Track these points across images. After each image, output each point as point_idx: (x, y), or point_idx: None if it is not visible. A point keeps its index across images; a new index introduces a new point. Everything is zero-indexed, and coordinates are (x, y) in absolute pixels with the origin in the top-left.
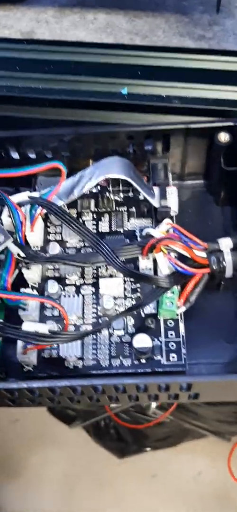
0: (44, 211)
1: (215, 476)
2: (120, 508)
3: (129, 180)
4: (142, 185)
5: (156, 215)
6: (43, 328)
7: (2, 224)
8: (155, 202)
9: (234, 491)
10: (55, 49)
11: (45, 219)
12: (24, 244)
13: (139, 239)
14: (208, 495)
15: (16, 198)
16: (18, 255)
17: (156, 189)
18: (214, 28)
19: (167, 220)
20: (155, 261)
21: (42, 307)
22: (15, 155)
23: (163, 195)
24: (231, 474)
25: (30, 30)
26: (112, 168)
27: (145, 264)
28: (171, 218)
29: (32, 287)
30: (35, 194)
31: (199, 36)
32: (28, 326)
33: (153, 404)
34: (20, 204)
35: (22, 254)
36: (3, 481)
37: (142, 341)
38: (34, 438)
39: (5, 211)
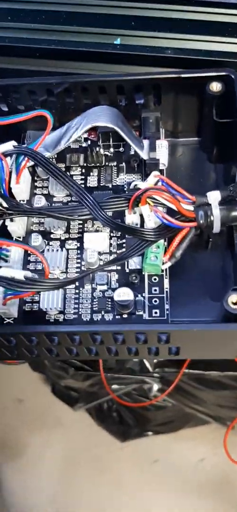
0: (31, 163)
1: (216, 462)
2: (120, 492)
3: (117, 129)
4: (131, 136)
5: (145, 168)
6: (20, 275)
7: None
8: (144, 154)
9: (235, 478)
10: (47, 0)
11: (33, 172)
12: (7, 195)
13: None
14: (209, 482)
15: (0, 148)
16: (1, 205)
17: (145, 142)
18: None
19: (155, 173)
20: (142, 217)
21: (26, 261)
22: (4, 108)
23: (152, 148)
24: (228, 455)
25: None
26: (99, 117)
27: (131, 219)
28: (161, 171)
29: (16, 241)
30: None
31: None
32: (4, 271)
33: (155, 387)
34: (5, 154)
35: (5, 205)
36: (5, 460)
37: (123, 294)
38: (37, 419)
39: None
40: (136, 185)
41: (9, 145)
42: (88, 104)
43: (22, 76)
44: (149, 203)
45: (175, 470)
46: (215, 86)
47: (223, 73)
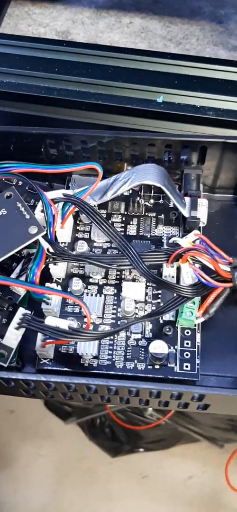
0: (76, 209)
1: (205, 481)
2: (109, 505)
3: (164, 188)
4: (175, 194)
5: (185, 225)
6: (65, 324)
7: None
8: (185, 212)
9: (223, 497)
10: (94, 52)
11: (75, 216)
12: (54, 241)
13: (165, 246)
14: (197, 500)
15: (51, 194)
16: (48, 250)
17: (187, 199)
18: None
19: (195, 231)
20: (178, 269)
21: (64, 303)
22: (54, 152)
23: (194, 206)
24: (227, 482)
25: (65, 30)
26: (148, 175)
27: (168, 272)
28: (199, 229)
29: (56, 282)
30: (69, 192)
31: (233, 46)
32: (50, 320)
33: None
34: (54, 201)
35: (51, 250)
36: None
37: (159, 347)
38: (28, 430)
39: (39, 206)
40: (175, 241)
41: (59, 193)
42: (134, 154)
43: (65, 126)
44: (188, 261)
45: (164, 486)
46: None
47: None
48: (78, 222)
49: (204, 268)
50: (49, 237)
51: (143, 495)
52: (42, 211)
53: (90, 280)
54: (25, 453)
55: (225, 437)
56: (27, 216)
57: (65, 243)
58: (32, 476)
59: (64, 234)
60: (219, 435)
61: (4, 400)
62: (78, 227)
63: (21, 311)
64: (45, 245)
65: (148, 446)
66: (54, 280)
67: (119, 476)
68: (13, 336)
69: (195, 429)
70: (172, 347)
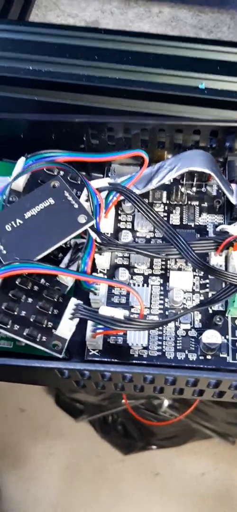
0: (120, 198)
1: (217, 477)
2: (121, 504)
3: (213, 175)
4: (223, 180)
5: (232, 212)
6: (120, 314)
7: None
8: (233, 199)
9: (235, 493)
10: (134, 40)
11: (117, 206)
12: (100, 230)
13: (211, 234)
14: (210, 497)
15: (96, 183)
16: (95, 240)
17: (234, 186)
18: None
19: None
20: (226, 258)
21: (110, 293)
22: (95, 141)
23: None
24: None
25: (95, 20)
26: (195, 162)
27: (216, 261)
28: None
29: (101, 273)
30: (112, 181)
31: None
32: (105, 310)
33: (165, 403)
34: (99, 190)
35: (99, 240)
36: (6, 469)
37: (212, 336)
38: (39, 429)
39: (83, 196)
40: (223, 228)
41: (105, 182)
42: (177, 143)
43: (106, 114)
44: None
45: (176, 484)
46: None
47: None
48: (119, 212)
49: None
50: (96, 227)
51: (155, 493)
52: (87, 200)
53: (135, 270)
54: (36, 453)
55: None
56: (76, 206)
57: (107, 233)
58: (43, 476)
59: (107, 224)
60: (232, 431)
61: (15, 398)
62: (119, 217)
63: (73, 301)
64: (93, 235)
65: (161, 443)
66: (98, 271)
67: (131, 474)
68: (67, 327)
69: (208, 425)
70: (223, 337)
